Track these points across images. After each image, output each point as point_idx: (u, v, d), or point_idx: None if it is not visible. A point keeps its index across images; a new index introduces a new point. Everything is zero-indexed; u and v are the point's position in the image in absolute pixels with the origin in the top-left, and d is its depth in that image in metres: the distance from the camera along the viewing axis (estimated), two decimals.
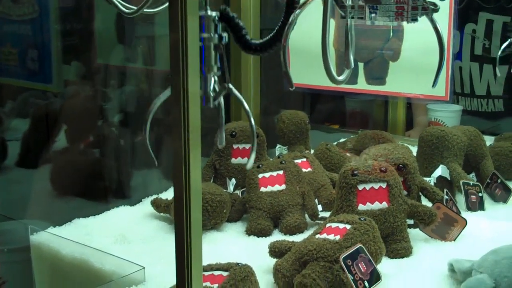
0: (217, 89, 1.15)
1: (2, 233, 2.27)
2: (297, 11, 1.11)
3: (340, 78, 1.19)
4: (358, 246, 1.44)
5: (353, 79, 2.41)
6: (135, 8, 1.41)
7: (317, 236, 1.52)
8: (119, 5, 1.42)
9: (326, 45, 1.13)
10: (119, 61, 2.62)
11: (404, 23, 2.29)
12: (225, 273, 1.36)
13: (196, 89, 1.04)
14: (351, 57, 1.23)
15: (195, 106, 1.05)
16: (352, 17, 1.21)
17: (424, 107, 2.88)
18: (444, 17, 2.19)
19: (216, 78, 1.15)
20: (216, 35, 1.12)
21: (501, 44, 2.88)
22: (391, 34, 2.34)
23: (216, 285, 1.31)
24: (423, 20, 1.33)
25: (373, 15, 1.22)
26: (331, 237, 1.49)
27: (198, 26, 1.02)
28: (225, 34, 1.14)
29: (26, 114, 2.62)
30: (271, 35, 1.19)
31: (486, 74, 3.01)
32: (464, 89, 3.09)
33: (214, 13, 1.13)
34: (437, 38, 1.21)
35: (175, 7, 1.02)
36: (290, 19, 1.11)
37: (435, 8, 1.16)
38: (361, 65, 2.40)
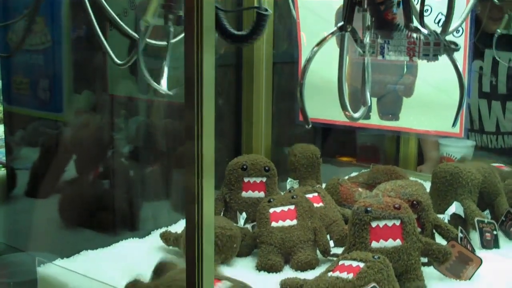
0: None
1: (9, 265, 2.23)
2: (315, 48, 1.10)
3: (356, 115, 1.17)
4: (372, 285, 1.41)
5: (366, 114, 2.39)
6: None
7: (330, 274, 1.49)
8: (112, 55, 1.43)
9: (342, 84, 1.12)
10: (130, 92, 2.61)
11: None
12: None
13: (211, 122, 1.03)
14: (368, 94, 1.21)
15: (209, 139, 1.04)
16: (370, 54, 1.20)
17: (435, 142, 2.86)
18: (459, 51, 2.18)
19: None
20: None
21: (508, 80, 2.91)
22: (405, 69, 2.33)
23: None
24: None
25: (387, 51, 1.21)
26: (344, 275, 1.46)
27: (214, 60, 1.01)
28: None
29: (36, 143, 2.61)
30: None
31: (495, 111, 3.00)
32: (473, 125, 3.07)
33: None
34: (457, 77, 1.20)
35: (190, 42, 1.01)
36: (308, 56, 1.10)
37: (456, 48, 1.14)
38: (374, 100, 2.38)
